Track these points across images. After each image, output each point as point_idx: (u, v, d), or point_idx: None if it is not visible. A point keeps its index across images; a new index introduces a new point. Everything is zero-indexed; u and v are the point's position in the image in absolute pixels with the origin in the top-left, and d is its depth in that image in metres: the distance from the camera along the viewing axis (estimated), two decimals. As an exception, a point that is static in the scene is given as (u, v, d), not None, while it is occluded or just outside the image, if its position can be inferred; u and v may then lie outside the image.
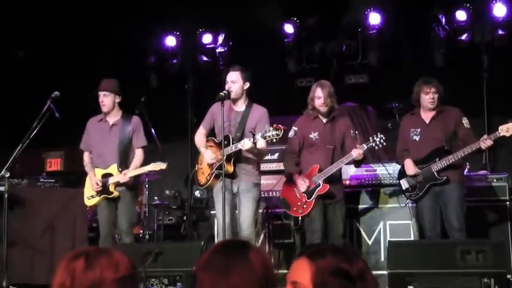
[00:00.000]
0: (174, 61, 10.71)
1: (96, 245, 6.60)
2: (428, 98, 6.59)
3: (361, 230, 7.52)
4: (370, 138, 6.50)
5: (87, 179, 7.01)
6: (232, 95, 6.37)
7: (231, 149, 6.21)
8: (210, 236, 7.79)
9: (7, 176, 6.49)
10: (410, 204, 7.08)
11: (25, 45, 10.90)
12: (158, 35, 10.67)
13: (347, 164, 6.73)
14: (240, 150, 6.23)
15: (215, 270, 1.99)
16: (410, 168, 6.60)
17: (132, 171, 6.83)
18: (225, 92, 6.28)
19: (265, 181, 7.54)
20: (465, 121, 6.63)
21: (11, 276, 6.48)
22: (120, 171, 6.79)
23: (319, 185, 6.51)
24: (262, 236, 7.73)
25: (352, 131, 6.69)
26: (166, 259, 5.96)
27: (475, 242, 5.79)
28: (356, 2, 9.75)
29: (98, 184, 6.81)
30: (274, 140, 5.97)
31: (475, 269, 5.38)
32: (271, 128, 5.89)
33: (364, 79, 10.08)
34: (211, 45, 10.51)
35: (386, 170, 7.47)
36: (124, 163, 6.87)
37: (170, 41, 10.66)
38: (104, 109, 6.94)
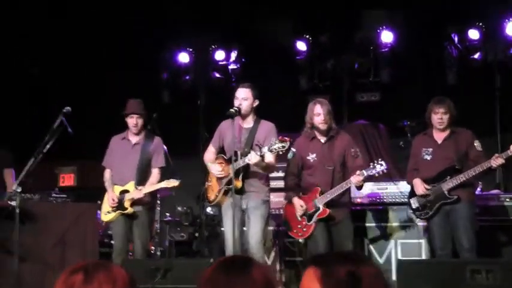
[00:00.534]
0: (187, 77, 10.79)
1: (107, 260, 6.62)
2: (437, 118, 6.55)
3: (372, 248, 7.49)
4: (371, 164, 6.31)
5: (106, 195, 7.10)
6: (242, 112, 6.37)
7: (239, 163, 6.21)
8: (221, 253, 7.77)
9: (19, 190, 6.52)
10: (420, 224, 7.04)
11: (39, 62, 11.00)
12: (171, 51, 10.75)
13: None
14: (248, 165, 6.23)
15: (217, 285, 1.98)
16: (419, 187, 6.56)
17: (147, 187, 6.89)
18: (235, 108, 6.30)
19: (276, 198, 7.53)
20: (477, 143, 6.57)
21: (21, 291, 6.50)
22: (137, 188, 6.86)
23: (319, 209, 6.43)
24: (273, 254, 7.71)
25: (352, 150, 6.53)
26: (175, 275, 5.95)
27: (485, 262, 5.73)
28: (368, 19, 9.77)
29: (114, 200, 6.88)
30: (281, 153, 5.98)
31: (485, 289, 5.33)
32: (276, 141, 5.88)
33: (376, 97, 10.09)
34: (224, 62, 10.57)
35: (398, 189, 7.44)
36: (142, 181, 6.94)
37: (183, 57, 10.74)
38: (135, 130, 7.05)
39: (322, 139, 6.61)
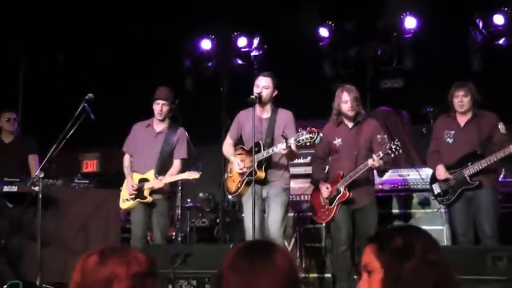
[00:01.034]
0: (209, 64, 10.81)
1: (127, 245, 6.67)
2: (457, 101, 6.53)
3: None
4: (387, 145, 6.23)
5: (125, 182, 7.08)
6: (262, 100, 6.33)
7: (262, 155, 6.19)
8: (242, 239, 7.79)
9: (41, 176, 6.58)
10: (443, 210, 6.99)
11: (65, 49, 11.08)
12: (194, 38, 10.76)
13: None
14: (271, 156, 6.21)
15: (241, 271, 1.98)
16: (442, 173, 6.53)
17: (167, 178, 6.87)
18: (256, 95, 6.27)
19: (297, 185, 7.53)
20: (501, 126, 6.51)
21: (44, 275, 6.54)
22: (157, 178, 6.84)
23: (340, 192, 6.45)
24: (293, 240, 7.71)
25: (379, 136, 6.44)
26: (195, 261, 5.97)
27: (507, 249, 5.67)
28: (392, 6, 9.68)
29: (133, 186, 6.88)
30: (308, 144, 5.93)
31: (506, 276, 5.28)
32: (304, 132, 5.83)
33: (399, 84, 10.02)
34: (246, 49, 10.58)
35: (420, 175, 7.40)
36: (162, 171, 6.90)
37: (206, 44, 10.75)
38: (160, 117, 7.00)
39: (350, 124, 6.62)
